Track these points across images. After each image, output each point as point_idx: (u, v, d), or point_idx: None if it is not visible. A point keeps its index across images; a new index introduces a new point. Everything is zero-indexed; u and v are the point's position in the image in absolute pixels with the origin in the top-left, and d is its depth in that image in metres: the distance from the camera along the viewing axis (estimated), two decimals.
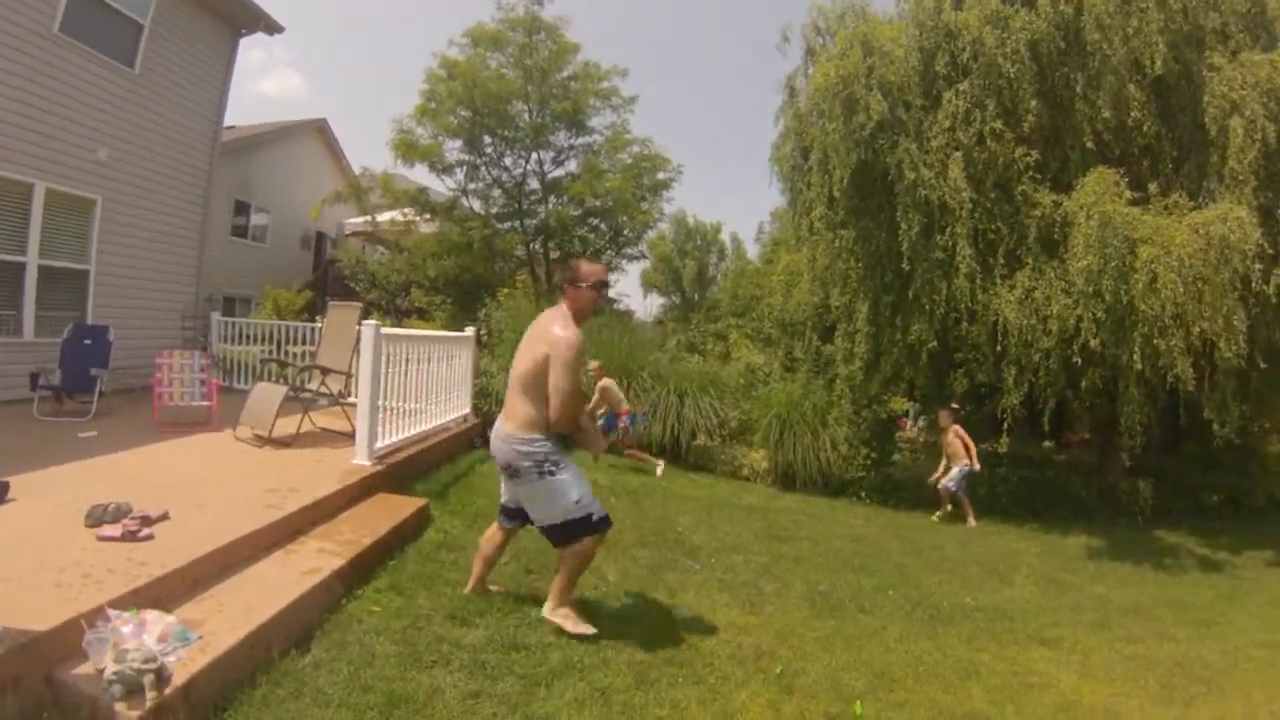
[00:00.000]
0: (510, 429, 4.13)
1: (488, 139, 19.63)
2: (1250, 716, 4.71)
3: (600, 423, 10.77)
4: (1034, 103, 10.40)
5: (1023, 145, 10.59)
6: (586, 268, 4.32)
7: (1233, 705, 4.84)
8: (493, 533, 4.66)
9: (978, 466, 10.78)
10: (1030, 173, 10.56)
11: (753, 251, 33.10)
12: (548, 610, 4.29)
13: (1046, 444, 14.43)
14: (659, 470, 11.09)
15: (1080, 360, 9.69)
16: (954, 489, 10.81)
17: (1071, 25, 10.34)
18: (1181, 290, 8.83)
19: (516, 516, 4.47)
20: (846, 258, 12.25)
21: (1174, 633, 6.33)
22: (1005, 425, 10.56)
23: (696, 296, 33.71)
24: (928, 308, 10.80)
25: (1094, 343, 9.46)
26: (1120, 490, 11.59)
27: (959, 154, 10.48)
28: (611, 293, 24.52)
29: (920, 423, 15.33)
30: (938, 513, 10.97)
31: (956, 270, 10.45)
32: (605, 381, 11.20)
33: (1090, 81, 10.30)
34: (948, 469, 10.96)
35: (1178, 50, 10.21)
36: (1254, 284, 8.98)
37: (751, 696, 3.92)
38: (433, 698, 3.46)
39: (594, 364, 11.20)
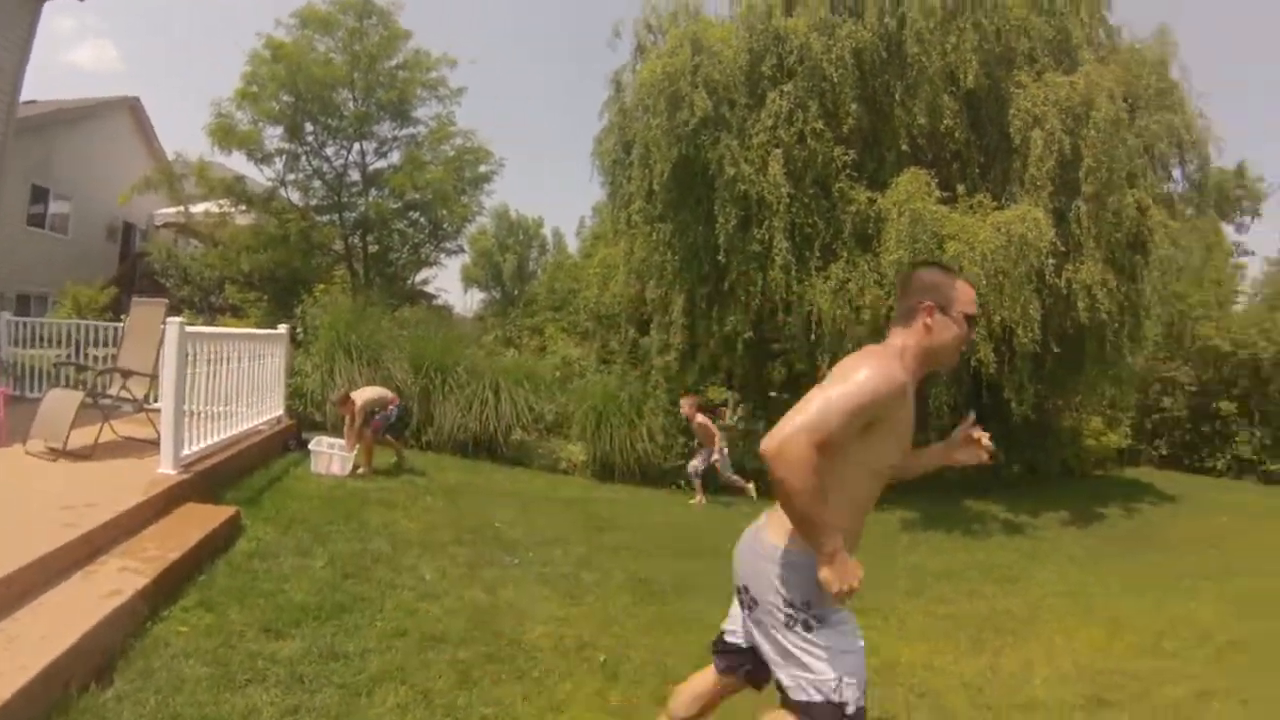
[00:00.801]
0: (765, 531, 2.43)
1: (310, 127, 18.56)
2: (1052, 657, 5.20)
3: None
4: (854, 106, 10.98)
5: (842, 145, 11.15)
6: (962, 287, 2.46)
7: (1036, 649, 5.35)
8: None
9: (721, 455, 10.81)
10: (848, 171, 11.15)
11: (574, 246, 32.97)
12: None
13: None
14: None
15: None
16: (700, 471, 10.82)
17: (894, 37, 11.07)
18: (984, 282, 9.57)
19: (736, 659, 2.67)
20: (664, 250, 12.52)
21: (983, 591, 6.90)
22: None
23: (517, 291, 33.25)
24: (743, 299, 11.26)
25: None
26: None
27: (779, 151, 10.92)
28: (429, 288, 24.20)
29: (739, 411, 15.85)
30: (695, 498, 10.83)
31: (772, 262, 10.91)
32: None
33: (908, 90, 11.05)
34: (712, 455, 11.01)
35: (989, 68, 11.15)
36: (1047, 277, 9.94)
37: (577, 687, 3.91)
38: (248, 719, 3.26)
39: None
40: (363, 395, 8.91)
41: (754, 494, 10.53)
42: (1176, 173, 12.77)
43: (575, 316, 20.97)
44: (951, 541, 9.25)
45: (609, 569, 6.39)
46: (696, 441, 11.08)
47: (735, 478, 10.87)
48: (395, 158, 19.79)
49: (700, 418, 10.82)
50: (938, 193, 10.44)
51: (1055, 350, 10.71)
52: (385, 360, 11.66)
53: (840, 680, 2.21)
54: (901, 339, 2.40)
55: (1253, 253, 25.06)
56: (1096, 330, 10.78)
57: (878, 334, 10.08)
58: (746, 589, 2.42)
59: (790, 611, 2.26)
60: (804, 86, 11.04)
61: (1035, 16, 11.53)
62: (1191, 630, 6.24)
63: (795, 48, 11.12)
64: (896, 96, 11.16)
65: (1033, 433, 13.33)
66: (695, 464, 10.86)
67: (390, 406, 9.15)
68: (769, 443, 2.08)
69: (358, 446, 8.59)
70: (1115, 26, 12.70)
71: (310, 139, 18.89)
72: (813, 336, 10.96)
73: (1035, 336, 9.97)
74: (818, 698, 2.22)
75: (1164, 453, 17.24)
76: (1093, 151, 10.32)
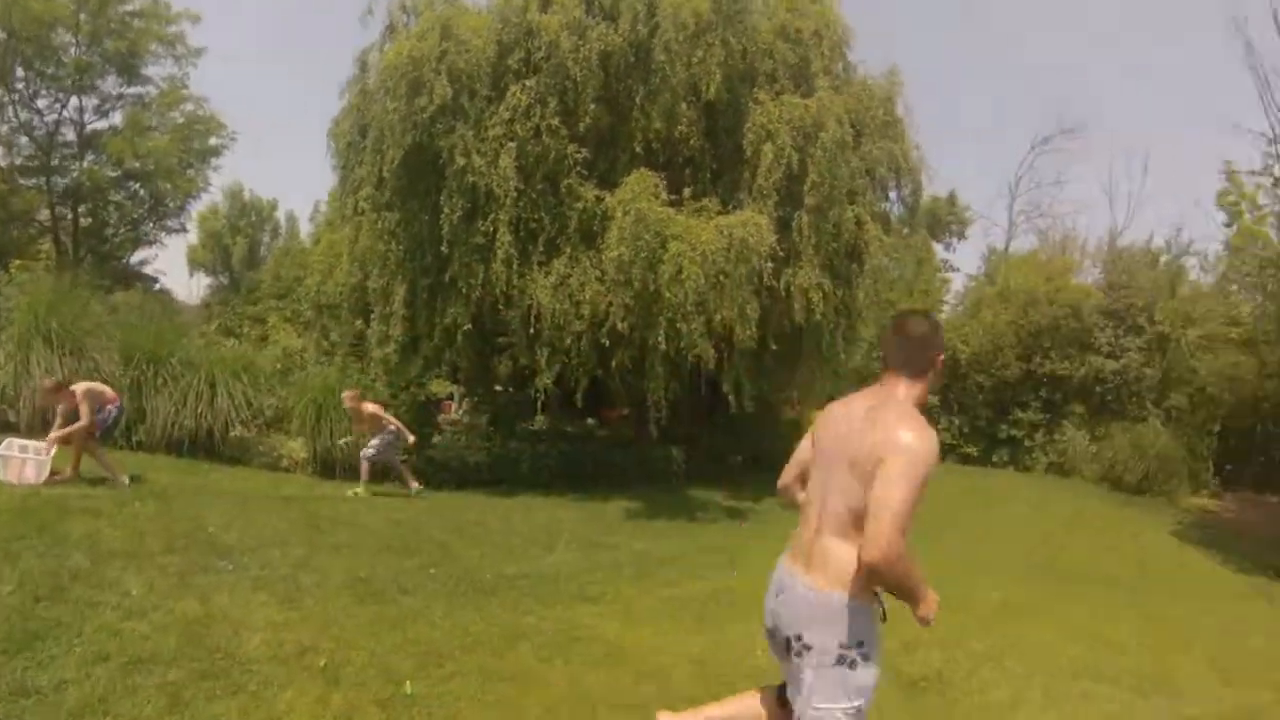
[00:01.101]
0: (830, 587, 2.44)
1: (21, 72, 16.01)
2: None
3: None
4: (594, 106, 11.13)
5: (576, 143, 11.27)
6: (939, 334, 2.69)
7: (757, 623, 5.61)
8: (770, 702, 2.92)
9: (390, 437, 10.30)
10: (579, 169, 11.28)
11: (308, 232, 30.93)
12: None
13: (590, 420, 15.70)
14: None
15: (609, 342, 10.65)
16: (374, 457, 10.25)
17: (644, 45, 11.31)
18: (703, 281, 10.04)
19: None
20: (389, 239, 12.09)
21: (706, 572, 7.26)
22: (540, 404, 11.36)
23: (246, 277, 31.05)
24: (465, 291, 11.07)
25: (622, 326, 10.45)
26: (657, 458, 13.03)
27: (513, 145, 10.86)
28: (149, 270, 22.15)
29: (464, 405, 15.73)
30: (357, 488, 10.15)
31: (495, 255, 10.85)
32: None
33: (650, 95, 11.35)
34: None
35: (732, 83, 11.75)
36: (766, 279, 10.61)
37: (298, 695, 3.67)
38: None
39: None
40: (82, 388, 7.76)
41: (413, 490, 10.21)
42: (893, 195, 14.31)
43: (299, 305, 19.65)
44: (676, 528, 9.68)
45: (329, 569, 6.03)
46: (373, 433, 10.31)
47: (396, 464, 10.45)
48: (118, 119, 17.59)
49: (370, 407, 10.22)
50: (665, 195, 10.80)
51: (773, 348, 11.59)
52: (90, 349, 10.34)
53: (858, 709, 2.45)
54: (910, 388, 2.54)
55: (958, 269, 29.27)
56: (813, 330, 11.75)
57: (597, 328, 10.47)
58: (800, 637, 2.50)
59: (843, 651, 2.42)
60: (547, 83, 11.07)
61: (782, 43, 12.42)
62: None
63: (545, 44, 11.11)
64: (638, 101, 11.46)
65: (756, 424, 14.35)
66: (370, 451, 10.19)
67: (109, 406, 8.06)
68: (874, 554, 2.20)
69: (55, 449, 7.52)
70: (853, 62, 13.82)
71: (20, 86, 16.28)
72: (532, 330, 11.02)
73: (753, 334, 10.64)
74: None
75: None
76: (818, 168, 11.20)
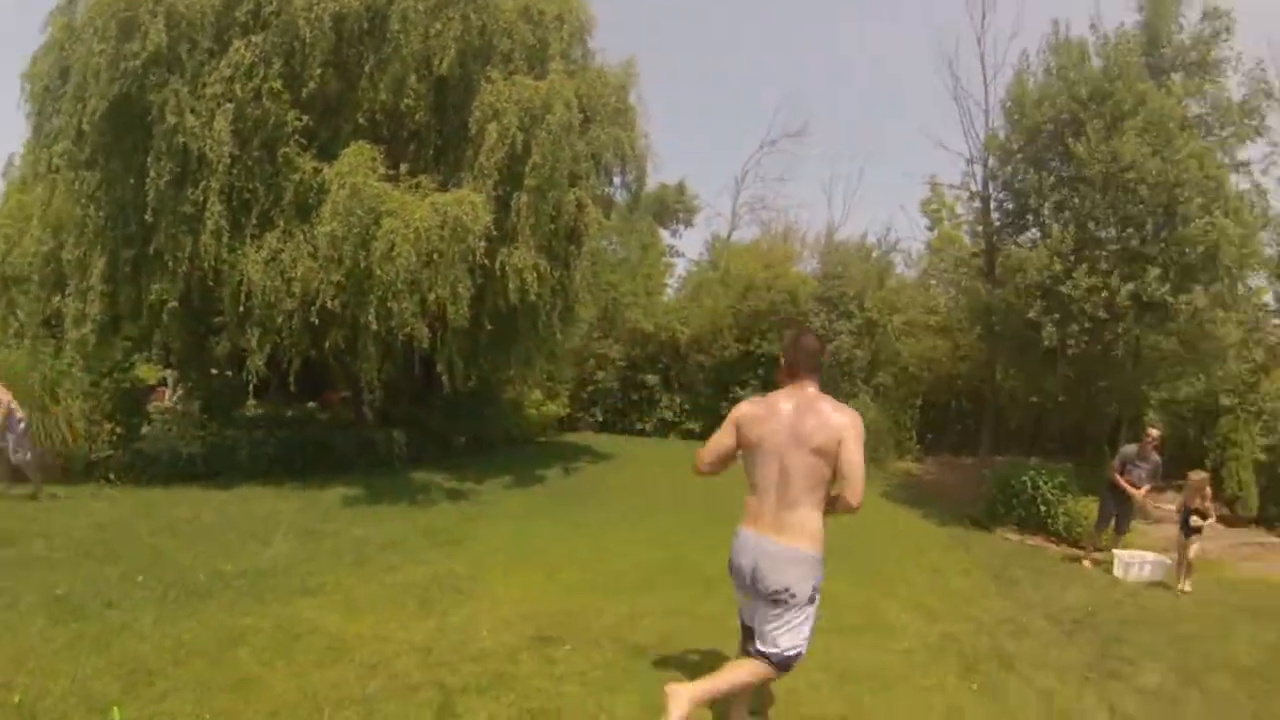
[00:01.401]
0: (805, 545, 3.34)
1: None
2: (496, 607, 5.68)
3: None
4: (321, 71, 10.38)
5: (299, 109, 10.48)
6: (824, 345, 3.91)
7: (482, 603, 5.79)
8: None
9: (16, 444, 9.02)
10: (298, 137, 10.50)
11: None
12: None
13: (311, 404, 14.82)
14: None
15: (321, 321, 10.07)
16: (26, 456, 9.06)
17: (381, 11, 10.67)
18: (415, 260, 9.79)
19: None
20: (87, 203, 10.42)
21: (428, 556, 7.19)
22: (254, 388, 10.55)
23: None
24: (172, 265, 9.96)
25: (333, 304, 9.96)
26: (378, 441, 12.53)
27: (231, 106, 9.86)
28: None
29: (179, 391, 14.17)
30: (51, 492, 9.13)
31: (205, 226, 9.87)
32: None
33: (380, 64, 10.79)
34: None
35: (466, 59, 11.39)
36: (478, 258, 10.39)
37: None
38: None
39: None
40: None
41: (41, 496, 8.88)
42: (618, 180, 14.65)
43: None
44: (397, 512, 9.42)
45: (18, 590, 5.30)
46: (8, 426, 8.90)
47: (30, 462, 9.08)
48: None
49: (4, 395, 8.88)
50: (383, 169, 10.39)
51: (489, 327, 11.48)
52: None
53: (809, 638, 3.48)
54: (816, 385, 3.51)
55: (683, 255, 30.60)
56: (528, 310, 11.77)
57: (308, 306, 9.91)
58: (787, 589, 3.33)
59: (814, 593, 3.41)
60: (275, 41, 10.11)
61: (523, 23, 12.22)
62: (622, 563, 7.44)
63: None
64: (367, 69, 10.88)
65: (476, 405, 14.28)
66: (20, 453, 8.90)
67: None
68: (857, 501, 3.30)
69: None
70: (592, 49, 13.91)
71: None
72: (243, 309, 10.16)
73: (465, 314, 10.48)
74: (803, 649, 3.44)
75: (600, 419, 20.17)
76: (541, 150, 11.15)
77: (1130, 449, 9.53)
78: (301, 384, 11.11)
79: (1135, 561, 8.83)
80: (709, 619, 5.69)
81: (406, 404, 13.51)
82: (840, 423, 3.29)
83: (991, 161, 14.32)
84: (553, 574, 6.87)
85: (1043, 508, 10.92)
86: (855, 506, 3.28)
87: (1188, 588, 8.26)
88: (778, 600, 3.33)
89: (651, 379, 19.71)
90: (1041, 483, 11.04)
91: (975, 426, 17.58)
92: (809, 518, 3.32)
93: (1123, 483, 9.22)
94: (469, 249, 10.15)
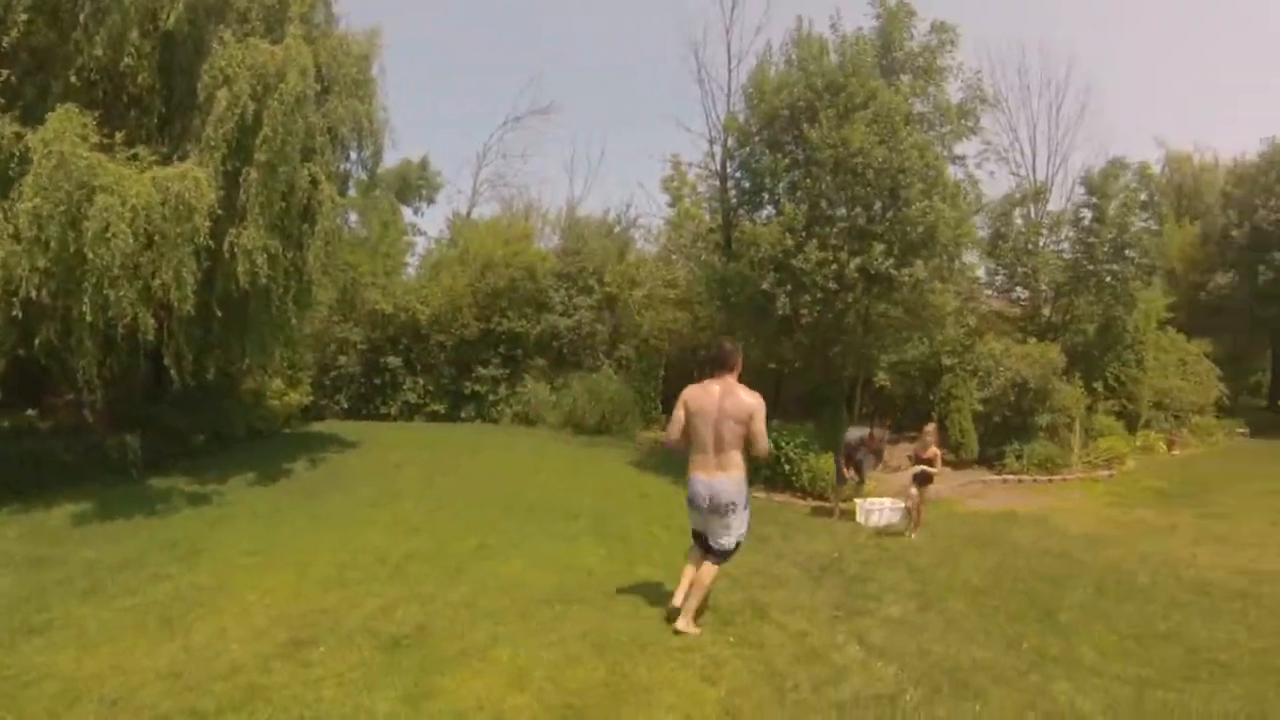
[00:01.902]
0: (737, 475, 5.28)
1: None
2: (246, 615, 5.51)
3: None
4: (26, 18, 9.05)
5: None
6: (739, 348, 5.58)
7: (230, 613, 5.58)
8: (697, 560, 5.52)
9: None
10: None
11: None
12: (685, 625, 5.24)
13: (30, 411, 13.00)
14: None
15: (27, 314, 8.78)
16: None
17: None
18: (134, 242, 8.86)
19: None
20: None
21: (169, 571, 6.72)
22: None
23: None
24: None
25: (40, 294, 8.70)
26: (108, 446, 11.09)
27: None
28: None
29: None
30: None
31: None
32: None
33: (97, 14, 9.47)
34: None
35: (198, 16, 10.23)
36: (202, 239, 9.44)
37: None
38: None
39: None
40: None
41: None
42: (354, 155, 13.76)
43: None
44: (133, 527, 8.60)
45: None
46: None
47: None
48: None
49: None
50: (95, 137, 9.15)
51: (220, 314, 10.48)
52: None
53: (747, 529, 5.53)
54: (735, 377, 5.30)
55: (425, 233, 29.06)
56: (261, 294, 10.88)
57: (10, 298, 8.67)
58: (732, 503, 5.23)
59: (747, 502, 5.40)
60: None
61: None
62: (371, 555, 7.34)
63: None
64: (82, 19, 9.50)
65: (215, 399, 13.21)
66: None
67: None
68: (765, 453, 5.51)
69: None
70: (336, 14, 12.97)
71: None
72: None
73: (191, 301, 9.53)
74: (741, 541, 5.48)
75: (345, 405, 19.22)
76: (273, 121, 10.31)
77: (855, 434, 10.61)
78: (13, 389, 9.74)
79: (875, 508, 9.92)
80: (461, 604, 5.84)
81: (138, 403, 12.17)
82: (750, 403, 5.17)
83: (730, 142, 15.25)
84: (303, 571, 6.72)
85: (787, 466, 11.76)
86: (764, 454, 5.54)
87: (915, 537, 9.33)
88: (727, 511, 5.25)
89: (394, 361, 19.07)
90: (784, 443, 11.73)
91: None
92: (736, 459, 5.22)
93: (843, 471, 10.32)
94: (194, 229, 9.22)
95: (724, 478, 5.19)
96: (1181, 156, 31.13)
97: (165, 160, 9.83)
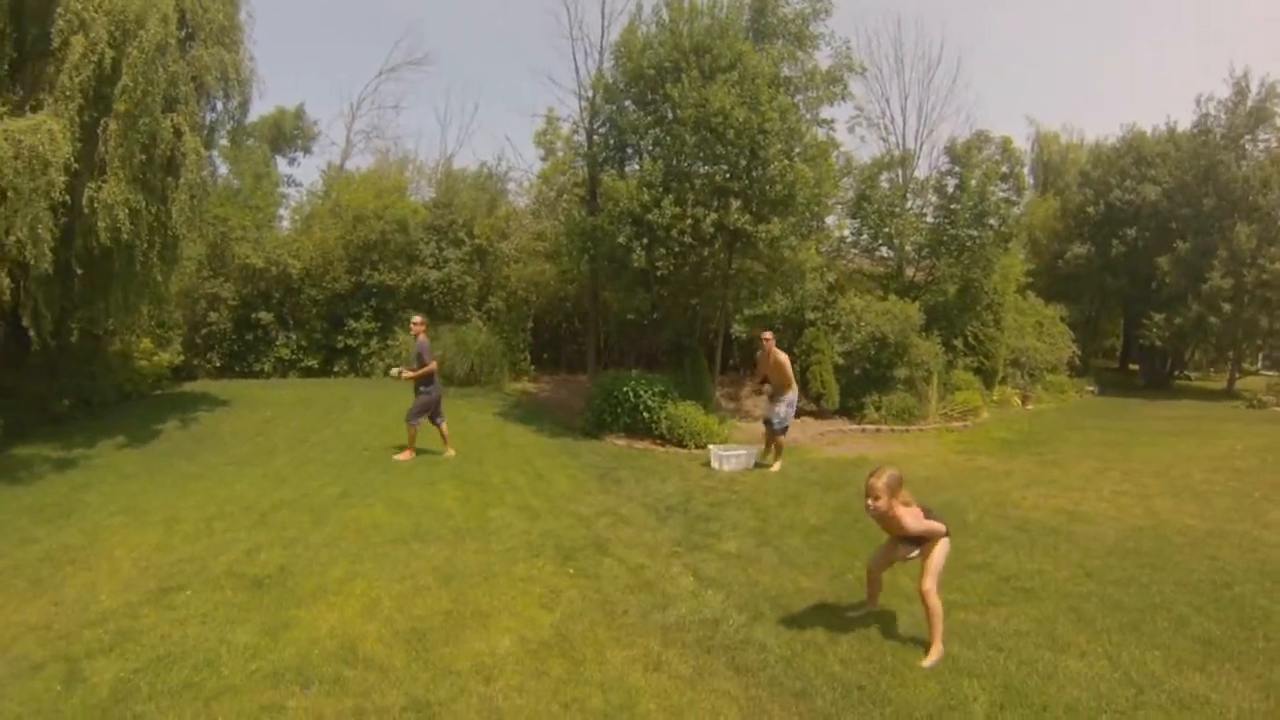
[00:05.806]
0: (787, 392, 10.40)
1: None
2: (116, 569, 5.71)
3: None
4: None
5: None
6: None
7: (101, 569, 5.78)
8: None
9: None
10: None
11: None
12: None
13: None
14: None
15: None
16: None
17: None
18: None
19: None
20: None
21: (36, 534, 6.80)
22: None
23: None
24: None
25: None
26: None
27: None
28: None
29: None
30: None
31: None
32: None
33: None
34: None
35: None
36: (57, 194, 9.19)
37: None
38: None
39: None
40: None
41: None
42: (219, 105, 13.17)
43: None
44: None
45: None
46: None
47: None
48: None
49: None
50: None
51: (80, 272, 10.27)
52: None
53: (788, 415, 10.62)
54: (773, 343, 10.78)
55: (300, 184, 28.40)
56: (124, 251, 10.60)
57: None
58: (787, 399, 10.45)
59: (794, 397, 10.69)
60: None
61: None
62: (237, 507, 7.56)
63: None
64: None
65: (80, 362, 12.80)
66: None
67: None
68: (791, 382, 10.67)
69: None
70: None
71: None
72: None
73: (49, 258, 9.26)
74: (788, 422, 10.60)
75: (217, 364, 18.68)
76: (133, 70, 9.98)
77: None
78: None
79: (728, 454, 10.32)
80: (322, 545, 6.19)
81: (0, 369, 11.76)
82: (781, 358, 10.33)
83: (598, 99, 15.53)
84: (171, 527, 6.90)
85: (645, 414, 12.26)
86: (789, 388, 10.39)
87: (777, 468, 10.19)
88: (782, 401, 10.30)
89: (266, 317, 18.60)
90: (642, 391, 12.27)
91: (586, 345, 18.78)
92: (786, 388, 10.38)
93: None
94: (49, 183, 8.95)
95: (781, 399, 10.42)
96: (1050, 135, 33.47)
97: (17, 110, 9.46)
